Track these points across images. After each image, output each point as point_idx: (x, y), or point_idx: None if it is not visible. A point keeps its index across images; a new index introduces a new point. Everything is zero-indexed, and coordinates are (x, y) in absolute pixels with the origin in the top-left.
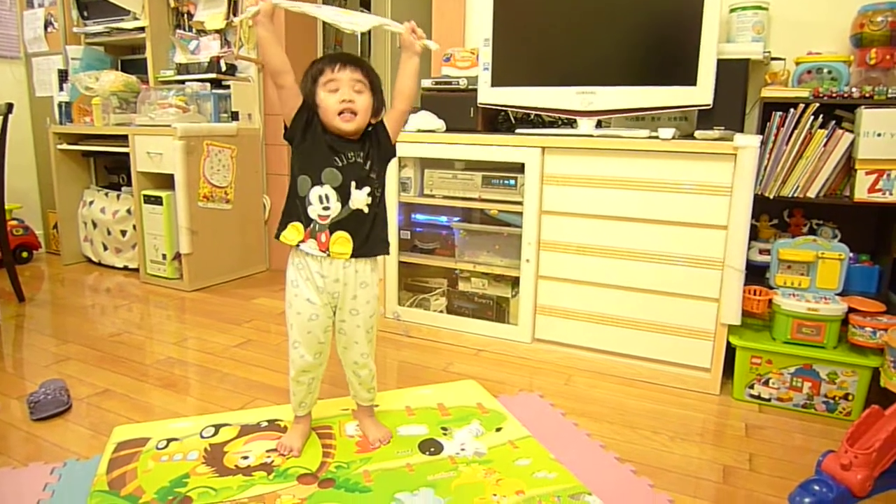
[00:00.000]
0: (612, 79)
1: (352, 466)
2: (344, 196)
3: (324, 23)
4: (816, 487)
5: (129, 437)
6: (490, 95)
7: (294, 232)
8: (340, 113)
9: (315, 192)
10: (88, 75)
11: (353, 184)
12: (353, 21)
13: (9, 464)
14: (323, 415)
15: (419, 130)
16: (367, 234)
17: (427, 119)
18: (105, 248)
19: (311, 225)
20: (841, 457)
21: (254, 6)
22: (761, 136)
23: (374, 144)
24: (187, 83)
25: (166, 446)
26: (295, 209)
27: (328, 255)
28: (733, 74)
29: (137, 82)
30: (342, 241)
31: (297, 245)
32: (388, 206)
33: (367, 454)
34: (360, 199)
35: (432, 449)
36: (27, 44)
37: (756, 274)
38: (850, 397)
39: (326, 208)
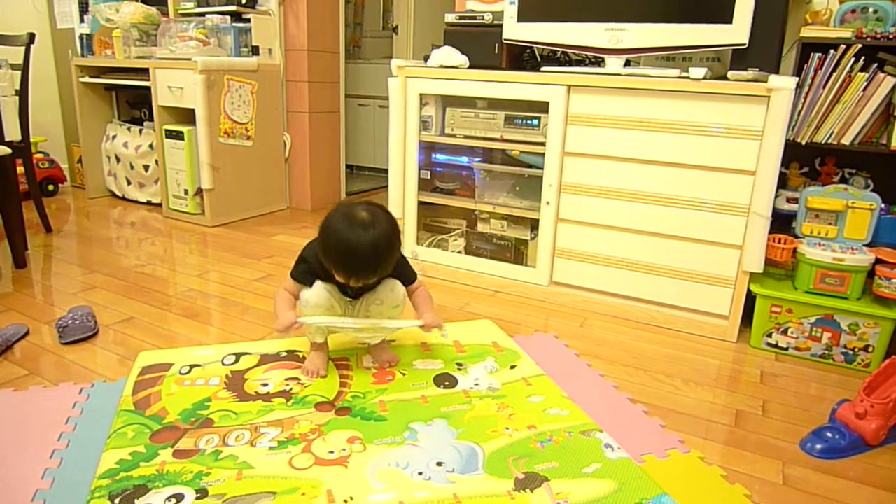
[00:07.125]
0: (642, 15)
1: (368, 396)
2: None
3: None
4: (829, 434)
5: (153, 362)
6: (515, 31)
7: None
8: None
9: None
10: (109, 6)
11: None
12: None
13: (41, 383)
14: (340, 346)
15: (441, 66)
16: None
17: (450, 55)
18: (129, 183)
19: None
20: (856, 405)
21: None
22: (797, 79)
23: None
24: (207, 16)
25: (189, 372)
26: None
27: None
28: (771, 12)
29: (157, 14)
30: None
31: None
32: (409, 144)
33: (383, 385)
34: None
35: (447, 383)
36: None
37: (783, 223)
38: (870, 349)
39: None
